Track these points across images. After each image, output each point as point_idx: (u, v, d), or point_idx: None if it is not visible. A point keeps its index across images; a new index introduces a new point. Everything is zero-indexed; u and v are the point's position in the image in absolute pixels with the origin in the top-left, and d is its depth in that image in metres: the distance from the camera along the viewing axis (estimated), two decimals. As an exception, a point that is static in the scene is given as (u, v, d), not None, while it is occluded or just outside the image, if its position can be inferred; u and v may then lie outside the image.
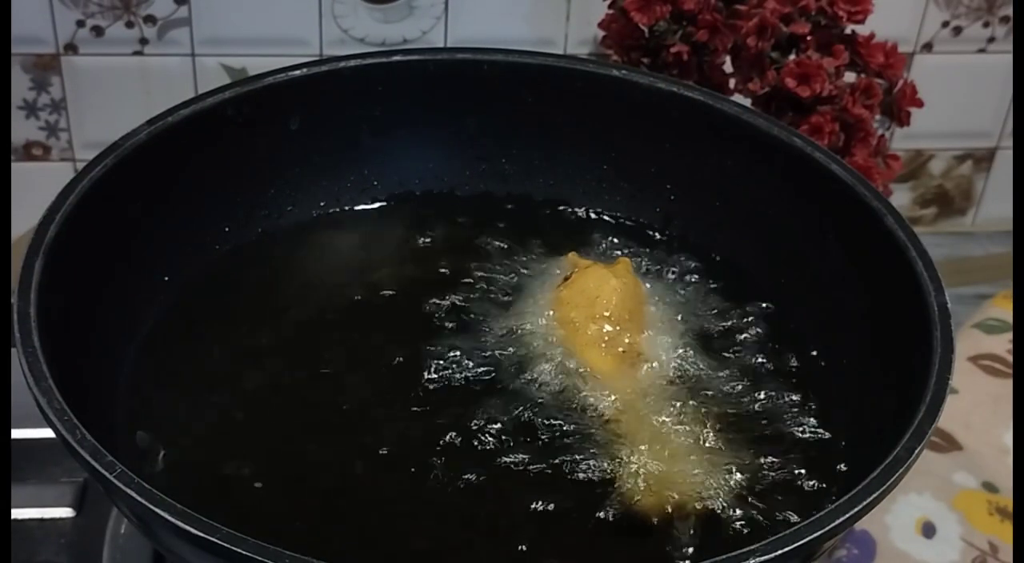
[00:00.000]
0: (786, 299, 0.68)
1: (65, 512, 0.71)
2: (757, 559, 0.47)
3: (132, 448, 0.58)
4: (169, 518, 0.47)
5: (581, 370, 0.63)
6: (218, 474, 0.59)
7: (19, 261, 0.57)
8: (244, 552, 0.46)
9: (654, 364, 0.64)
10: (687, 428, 0.61)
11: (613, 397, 0.62)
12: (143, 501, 0.48)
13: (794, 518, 0.57)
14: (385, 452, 0.59)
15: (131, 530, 0.68)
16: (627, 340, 0.65)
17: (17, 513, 0.70)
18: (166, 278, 0.67)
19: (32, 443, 0.71)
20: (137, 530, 0.58)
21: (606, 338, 0.65)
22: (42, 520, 0.71)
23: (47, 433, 0.52)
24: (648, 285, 0.69)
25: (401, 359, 0.64)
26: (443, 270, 0.70)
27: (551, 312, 0.66)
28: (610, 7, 0.82)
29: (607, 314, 0.65)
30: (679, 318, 0.67)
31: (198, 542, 0.47)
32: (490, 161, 0.76)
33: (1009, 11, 0.96)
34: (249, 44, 0.91)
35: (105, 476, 0.49)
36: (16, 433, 0.70)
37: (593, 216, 0.75)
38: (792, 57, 0.79)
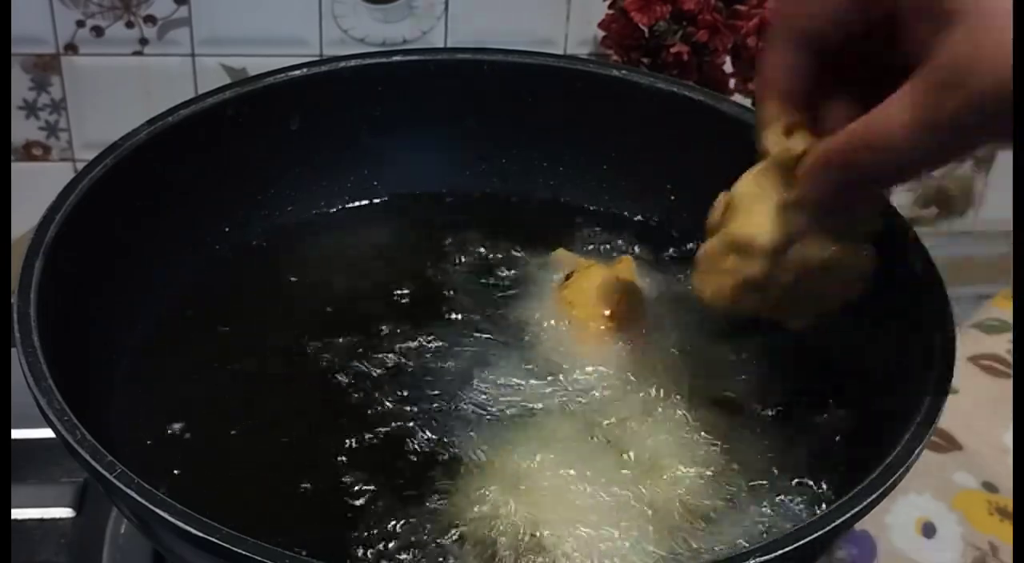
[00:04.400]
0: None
1: (65, 512, 0.71)
2: (757, 559, 0.47)
3: (132, 448, 0.58)
4: (169, 518, 0.47)
5: (581, 366, 0.63)
6: (218, 473, 0.59)
7: (19, 261, 0.57)
8: (244, 552, 0.46)
9: (651, 361, 0.64)
10: (685, 424, 0.61)
11: (612, 392, 0.62)
12: (143, 501, 0.48)
13: (793, 519, 0.57)
14: (377, 442, 0.60)
15: (131, 530, 0.68)
16: (627, 338, 0.65)
17: (17, 513, 0.70)
18: (166, 278, 0.67)
19: (32, 443, 0.71)
20: (137, 530, 0.58)
21: (607, 336, 0.65)
22: (42, 520, 0.71)
23: (47, 433, 0.52)
24: (648, 284, 0.69)
25: (401, 357, 0.64)
26: (443, 269, 0.70)
27: (552, 310, 0.66)
28: (610, 7, 0.82)
29: (608, 313, 0.65)
30: (679, 316, 0.67)
31: (198, 542, 0.47)
32: (490, 161, 0.76)
33: (1009, 11, 0.96)
34: (249, 44, 0.91)
35: (105, 476, 0.49)
36: (16, 433, 0.70)
37: (593, 215, 0.75)
38: (792, 57, 0.78)
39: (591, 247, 0.72)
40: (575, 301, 0.66)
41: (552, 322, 0.66)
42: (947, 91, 0.47)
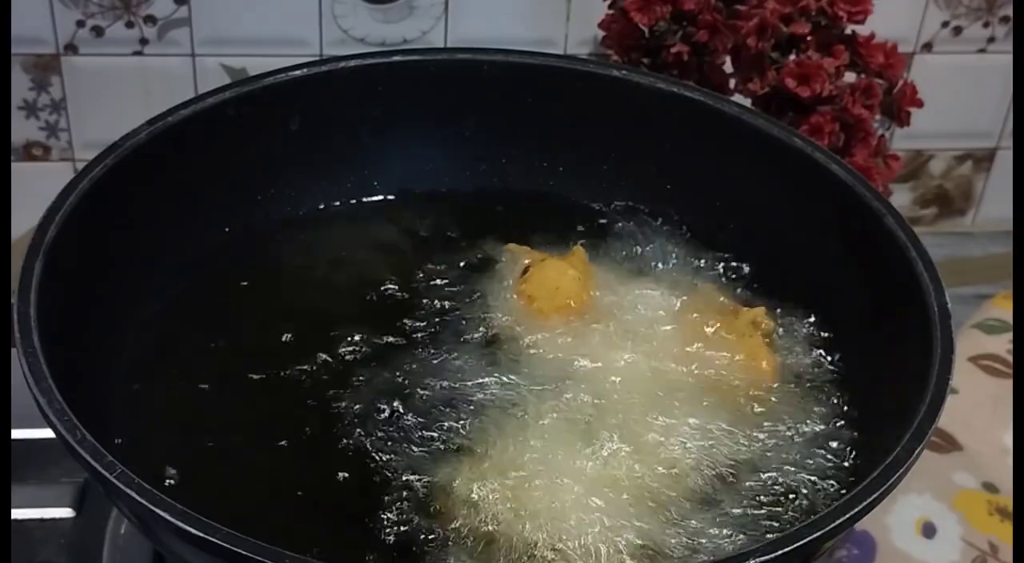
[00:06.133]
0: (785, 298, 0.68)
1: (65, 512, 0.71)
2: (757, 559, 0.47)
3: (131, 448, 0.58)
4: (169, 518, 0.48)
5: (554, 359, 0.64)
6: (217, 473, 0.59)
7: (19, 261, 0.57)
8: (244, 552, 0.46)
9: (626, 351, 0.65)
10: (673, 413, 0.61)
11: (589, 383, 0.63)
12: (143, 501, 0.48)
13: (793, 518, 0.57)
14: (375, 442, 0.60)
15: (131, 530, 0.68)
16: (595, 327, 0.66)
17: (17, 513, 0.70)
18: (166, 277, 0.67)
19: (32, 443, 0.71)
20: (137, 530, 0.58)
21: (574, 326, 0.65)
22: (42, 520, 0.71)
23: (47, 433, 0.52)
24: (646, 282, 0.69)
25: (400, 357, 0.64)
26: (442, 269, 0.70)
27: (515, 305, 0.67)
28: (610, 7, 0.82)
29: (570, 302, 0.66)
30: (674, 315, 0.67)
31: (198, 542, 0.47)
32: (490, 161, 0.76)
33: (1009, 11, 0.96)
34: (249, 44, 0.91)
35: (105, 476, 0.49)
36: (16, 433, 0.70)
37: (592, 215, 0.75)
38: (792, 57, 0.79)
39: (590, 245, 0.72)
40: (535, 295, 0.67)
41: (518, 316, 0.66)
42: None
